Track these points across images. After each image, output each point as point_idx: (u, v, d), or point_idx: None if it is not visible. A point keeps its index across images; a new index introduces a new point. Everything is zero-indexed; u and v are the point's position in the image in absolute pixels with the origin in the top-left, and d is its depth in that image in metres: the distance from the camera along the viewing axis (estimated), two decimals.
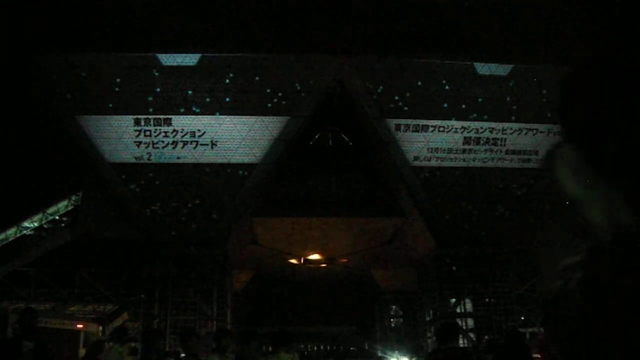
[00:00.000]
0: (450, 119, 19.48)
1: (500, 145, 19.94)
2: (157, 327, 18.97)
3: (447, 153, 19.86)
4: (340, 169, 22.39)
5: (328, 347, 35.90)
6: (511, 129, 19.78)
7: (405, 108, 19.33)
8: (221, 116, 18.98)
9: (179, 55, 18.33)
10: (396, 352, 27.91)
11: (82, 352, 21.87)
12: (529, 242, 20.23)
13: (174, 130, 19.02)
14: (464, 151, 19.90)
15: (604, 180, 1.15)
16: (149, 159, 19.21)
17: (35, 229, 21.44)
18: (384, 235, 24.82)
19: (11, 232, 21.18)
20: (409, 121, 19.50)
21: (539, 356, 17.49)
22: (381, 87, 19.11)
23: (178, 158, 19.25)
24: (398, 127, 19.52)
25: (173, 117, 18.89)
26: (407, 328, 30.56)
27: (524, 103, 19.51)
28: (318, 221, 22.52)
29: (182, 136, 19.10)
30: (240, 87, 18.78)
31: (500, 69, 19.15)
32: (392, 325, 32.33)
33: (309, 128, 20.66)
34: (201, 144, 19.18)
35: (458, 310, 21.52)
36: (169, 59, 18.34)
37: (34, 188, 21.49)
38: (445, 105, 19.35)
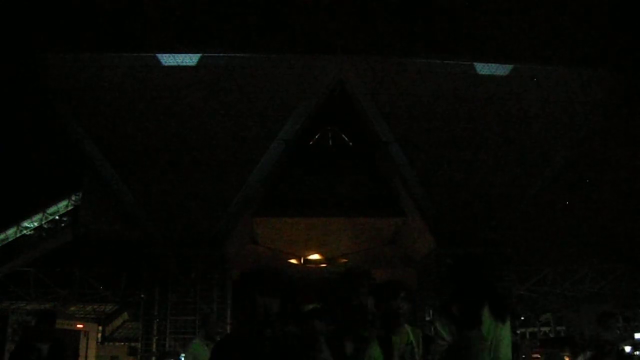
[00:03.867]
0: (451, 119, 19.46)
1: (501, 144, 19.92)
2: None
3: (447, 153, 19.84)
4: (340, 169, 22.34)
5: None
6: (511, 128, 19.76)
7: (405, 108, 19.32)
8: (221, 116, 18.98)
9: (179, 55, 18.33)
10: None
11: (82, 351, 21.90)
12: (529, 242, 20.22)
13: (174, 130, 19.01)
14: (464, 151, 19.87)
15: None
16: (148, 159, 19.20)
17: (35, 229, 21.46)
18: (384, 235, 24.78)
19: (11, 232, 21.19)
20: (409, 121, 19.49)
21: (538, 356, 17.52)
22: (381, 87, 19.10)
23: (178, 158, 19.23)
24: (398, 127, 19.51)
25: (173, 117, 18.88)
26: None
27: (524, 102, 19.50)
28: (318, 221, 22.48)
29: (182, 136, 19.09)
30: (239, 87, 18.77)
31: (500, 69, 19.14)
32: None
33: (309, 128, 20.65)
34: (201, 144, 19.18)
35: None
36: (169, 59, 18.35)
37: (34, 188, 21.50)
38: (446, 105, 19.34)
